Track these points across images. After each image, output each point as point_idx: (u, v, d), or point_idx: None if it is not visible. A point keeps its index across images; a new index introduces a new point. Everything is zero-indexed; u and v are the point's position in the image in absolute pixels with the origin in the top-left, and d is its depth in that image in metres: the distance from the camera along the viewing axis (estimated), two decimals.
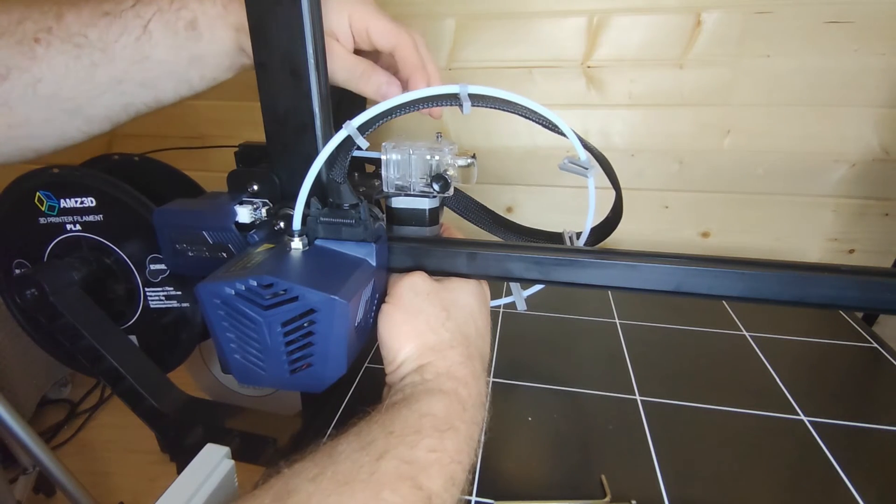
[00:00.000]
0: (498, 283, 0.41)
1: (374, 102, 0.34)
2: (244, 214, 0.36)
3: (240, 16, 0.33)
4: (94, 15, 0.33)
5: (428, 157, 0.36)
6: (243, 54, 0.36)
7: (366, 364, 0.55)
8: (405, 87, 0.39)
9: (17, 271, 0.47)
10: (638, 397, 0.49)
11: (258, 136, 0.37)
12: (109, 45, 0.33)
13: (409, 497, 0.23)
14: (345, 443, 0.26)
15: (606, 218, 0.41)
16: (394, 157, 0.36)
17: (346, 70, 0.37)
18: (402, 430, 0.26)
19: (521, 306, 0.39)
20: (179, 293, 0.46)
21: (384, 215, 0.39)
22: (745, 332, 0.60)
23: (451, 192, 0.36)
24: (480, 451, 0.30)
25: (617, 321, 0.62)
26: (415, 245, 0.35)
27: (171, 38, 0.34)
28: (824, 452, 0.42)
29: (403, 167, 0.36)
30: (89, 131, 0.37)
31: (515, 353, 0.57)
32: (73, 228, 0.45)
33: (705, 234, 0.80)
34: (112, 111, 0.37)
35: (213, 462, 0.34)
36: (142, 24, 0.33)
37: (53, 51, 0.32)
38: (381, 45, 0.37)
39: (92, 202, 0.43)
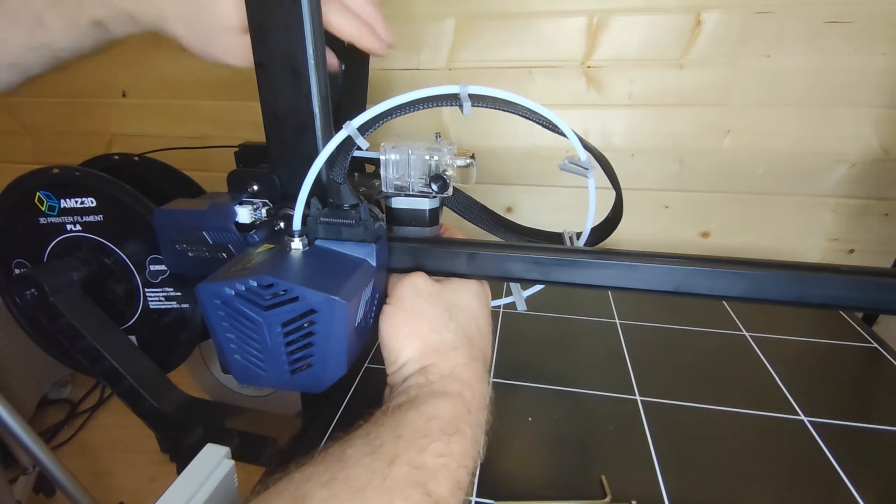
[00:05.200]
0: (498, 284, 0.41)
1: (378, 100, 0.34)
2: (244, 215, 0.36)
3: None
4: None
5: (427, 157, 0.36)
6: (100, 29, 0.36)
7: (366, 364, 0.55)
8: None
9: (17, 271, 0.47)
10: (638, 397, 0.49)
11: (258, 136, 0.37)
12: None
13: None
14: (354, 446, 0.26)
15: (606, 218, 0.41)
16: (392, 157, 0.36)
17: None
18: (411, 434, 0.26)
19: (521, 307, 0.39)
20: (179, 294, 0.46)
21: (384, 215, 0.39)
22: (745, 332, 0.60)
23: (449, 192, 0.36)
24: (483, 453, 0.30)
25: (617, 321, 0.62)
26: (415, 245, 0.35)
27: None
28: (824, 452, 0.42)
29: (402, 167, 0.36)
30: None
31: (515, 353, 0.57)
32: (74, 228, 0.45)
33: (705, 234, 0.80)
34: None
35: (213, 462, 0.34)
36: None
37: None
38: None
39: (92, 202, 0.43)
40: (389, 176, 0.37)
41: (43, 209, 0.44)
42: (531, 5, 0.71)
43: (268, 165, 0.38)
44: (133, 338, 0.49)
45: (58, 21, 0.35)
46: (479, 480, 0.39)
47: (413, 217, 0.38)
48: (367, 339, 0.34)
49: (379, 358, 0.34)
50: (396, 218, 0.39)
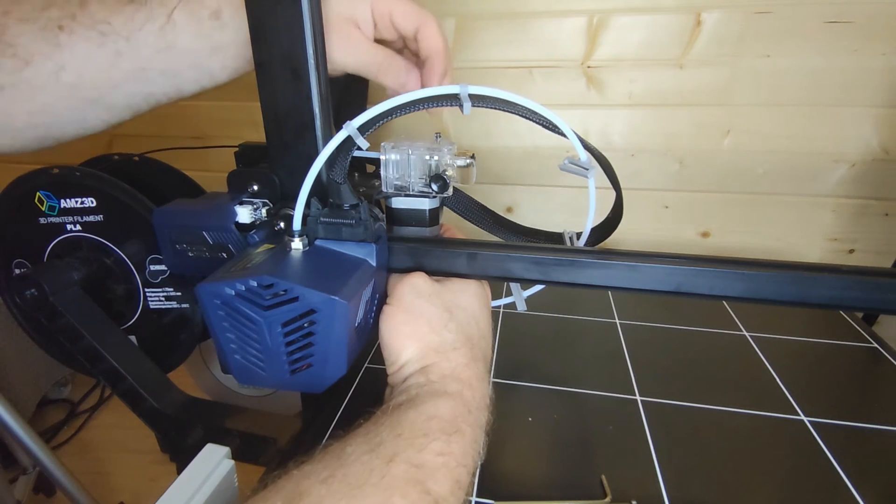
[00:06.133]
0: (498, 284, 0.41)
1: (378, 100, 0.34)
2: (244, 215, 0.36)
3: None
4: (119, 2, 0.33)
5: (427, 157, 0.36)
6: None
7: (366, 364, 0.55)
8: (423, 69, 0.39)
9: (17, 271, 0.47)
10: (638, 397, 0.49)
11: (258, 136, 0.37)
12: (133, 33, 0.33)
13: (418, 502, 0.23)
14: (353, 444, 0.26)
15: (607, 218, 0.41)
16: (393, 157, 0.36)
17: (364, 60, 0.37)
18: (411, 433, 0.26)
19: (521, 307, 0.39)
20: (179, 294, 0.46)
21: (384, 215, 0.39)
22: (745, 332, 0.60)
23: (449, 192, 0.36)
24: (484, 453, 0.30)
25: (617, 321, 0.62)
26: (415, 245, 0.35)
27: (194, 26, 0.34)
28: (824, 452, 0.42)
29: (402, 167, 0.36)
30: (110, 120, 0.37)
31: (515, 353, 0.57)
32: (74, 228, 0.45)
33: (705, 234, 0.80)
34: (133, 100, 0.36)
35: (213, 462, 0.34)
36: (166, 12, 0.33)
37: (77, 38, 0.32)
38: (405, 28, 0.37)
39: (92, 202, 0.43)
40: (389, 176, 0.37)
41: (43, 209, 0.44)
42: (531, 5, 0.71)
43: (268, 165, 0.38)
44: (133, 338, 0.49)
45: (183, 13, 0.35)
46: (479, 480, 0.39)
47: (413, 217, 0.38)
48: (367, 339, 0.34)
49: (379, 358, 0.34)
50: (396, 218, 0.39)
